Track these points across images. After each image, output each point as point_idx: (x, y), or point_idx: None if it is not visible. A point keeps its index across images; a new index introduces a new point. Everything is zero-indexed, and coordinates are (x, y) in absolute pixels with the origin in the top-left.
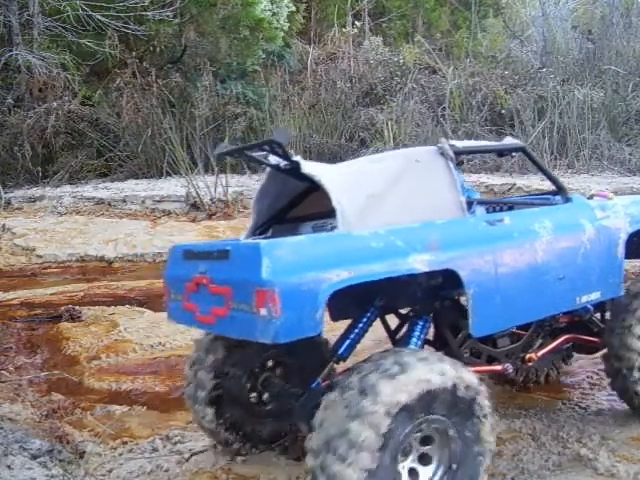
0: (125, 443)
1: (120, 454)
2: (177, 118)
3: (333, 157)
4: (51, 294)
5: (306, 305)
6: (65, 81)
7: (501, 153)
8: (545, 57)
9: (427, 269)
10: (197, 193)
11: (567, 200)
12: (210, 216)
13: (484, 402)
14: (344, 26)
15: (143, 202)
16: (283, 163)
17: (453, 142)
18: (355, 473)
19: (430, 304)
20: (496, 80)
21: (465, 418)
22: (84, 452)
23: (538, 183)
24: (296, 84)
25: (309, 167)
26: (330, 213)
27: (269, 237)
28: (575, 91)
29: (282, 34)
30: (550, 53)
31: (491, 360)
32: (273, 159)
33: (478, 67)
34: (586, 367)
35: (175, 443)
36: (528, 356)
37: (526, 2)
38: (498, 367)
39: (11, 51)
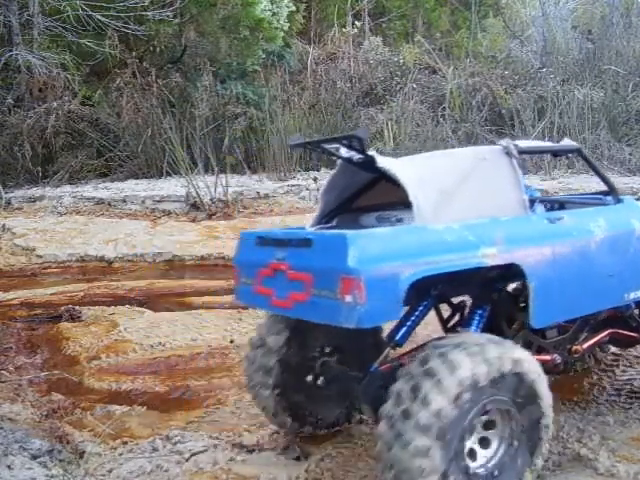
0: (125, 443)
1: (120, 454)
2: (177, 118)
3: (333, 157)
4: (51, 294)
5: (388, 293)
6: (65, 81)
7: (557, 154)
8: (545, 57)
9: (495, 262)
10: (197, 193)
11: (618, 201)
12: (210, 216)
13: (543, 383)
14: (344, 26)
15: (143, 202)
16: (356, 157)
17: (517, 142)
18: (428, 441)
19: (488, 295)
20: (496, 80)
21: (527, 398)
22: (84, 452)
23: (537, 183)
24: (296, 84)
25: (384, 162)
26: (393, 205)
27: (334, 226)
28: (575, 91)
29: (282, 34)
30: (550, 53)
31: (540, 350)
32: (345, 152)
33: (478, 67)
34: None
35: (175, 443)
36: (575, 348)
37: (526, 2)
38: (547, 357)
39: (11, 51)
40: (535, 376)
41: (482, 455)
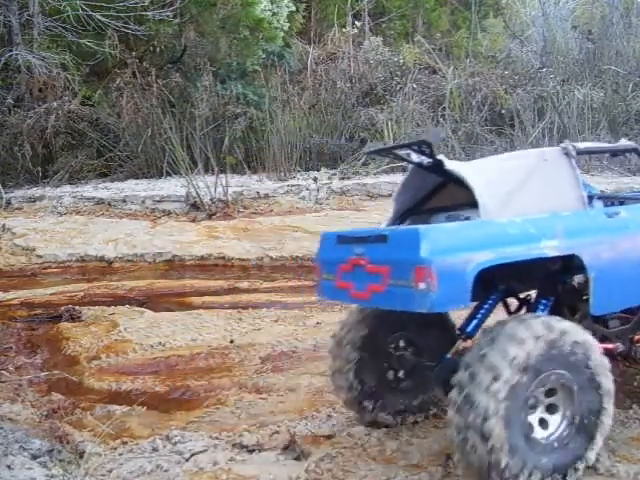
0: (125, 443)
1: (120, 454)
2: (177, 118)
3: (333, 157)
4: (51, 294)
5: (457, 281)
6: (65, 81)
7: (615, 153)
8: (545, 57)
9: (555, 253)
10: (197, 193)
11: None
12: (210, 216)
13: (606, 374)
14: (344, 26)
15: (143, 202)
16: (426, 161)
17: (575, 143)
18: (494, 403)
19: (553, 287)
20: (496, 80)
21: (588, 382)
22: (84, 452)
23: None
24: (296, 84)
25: (452, 165)
26: (461, 206)
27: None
28: (575, 91)
29: (282, 34)
30: (550, 53)
31: (603, 340)
32: (416, 157)
33: (478, 67)
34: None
35: (175, 443)
36: (637, 337)
37: (526, 2)
38: (610, 345)
39: (11, 51)
40: (597, 362)
41: (545, 426)
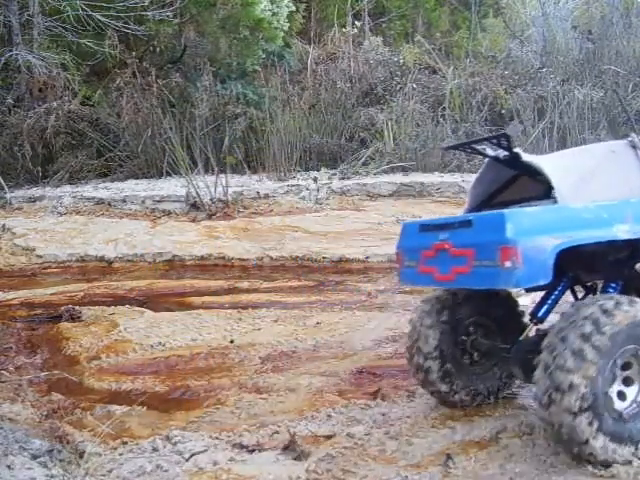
0: (125, 443)
1: (120, 454)
2: (177, 118)
3: (333, 157)
4: (51, 294)
5: (539, 260)
6: (65, 81)
7: None
8: (545, 57)
9: (626, 237)
10: (197, 193)
11: None
12: (210, 216)
13: None
14: (344, 26)
15: (143, 202)
16: (503, 154)
17: None
18: (578, 380)
19: (620, 272)
20: (496, 80)
21: None
22: (84, 452)
23: None
24: (296, 84)
25: (529, 157)
26: (530, 198)
27: None
28: (575, 91)
29: (282, 34)
30: (550, 53)
31: None
32: (491, 151)
33: (478, 67)
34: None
35: (175, 443)
36: None
37: (526, 2)
38: None
39: (11, 51)
40: None
41: (623, 398)
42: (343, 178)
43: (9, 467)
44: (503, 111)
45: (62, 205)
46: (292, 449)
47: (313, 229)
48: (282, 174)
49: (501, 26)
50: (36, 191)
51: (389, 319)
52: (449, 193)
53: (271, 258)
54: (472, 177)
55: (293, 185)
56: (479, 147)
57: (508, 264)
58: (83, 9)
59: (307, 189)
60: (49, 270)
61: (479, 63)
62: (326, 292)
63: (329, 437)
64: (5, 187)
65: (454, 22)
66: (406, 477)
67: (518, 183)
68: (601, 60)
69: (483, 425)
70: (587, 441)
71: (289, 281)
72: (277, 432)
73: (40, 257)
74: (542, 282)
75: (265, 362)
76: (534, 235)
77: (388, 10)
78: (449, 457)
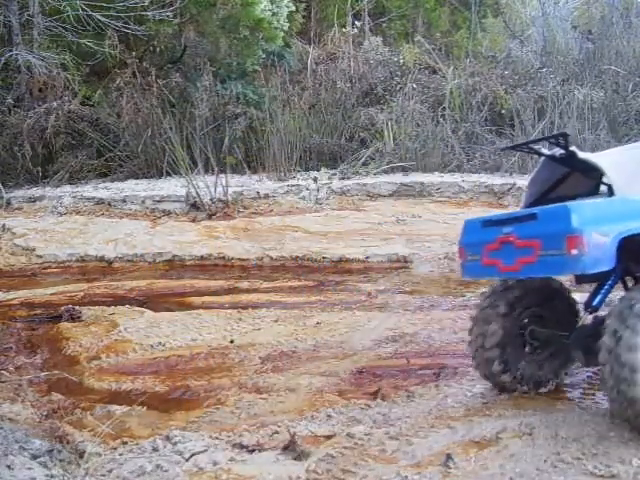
0: (125, 443)
1: (120, 454)
2: (177, 118)
3: (333, 157)
4: (51, 294)
5: (603, 247)
6: (65, 81)
7: None
8: (545, 57)
9: None
10: (197, 193)
11: None
12: (210, 216)
13: None
14: (344, 26)
15: (143, 202)
16: (559, 152)
17: None
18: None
19: None
20: (496, 80)
21: None
22: (84, 452)
23: None
24: (296, 84)
25: (585, 155)
26: (580, 195)
27: None
28: (575, 91)
29: (282, 34)
30: (550, 53)
31: None
32: (547, 150)
33: (478, 67)
34: (585, 367)
35: (175, 443)
36: None
37: (526, 2)
38: None
39: (11, 51)
40: None
41: None
42: (343, 178)
43: (9, 467)
44: (503, 111)
45: (62, 205)
46: (292, 449)
47: (313, 229)
48: (282, 174)
49: (501, 26)
50: (36, 191)
51: (389, 319)
52: (449, 193)
53: (271, 258)
54: (472, 177)
55: (293, 185)
56: (536, 147)
57: (575, 252)
58: (83, 9)
59: (307, 189)
60: (49, 270)
61: (479, 63)
62: (326, 292)
63: (329, 437)
64: (2, 190)
65: (454, 22)
66: (406, 477)
67: (569, 180)
68: (601, 60)
69: (483, 425)
70: None
71: (289, 281)
72: (277, 432)
73: (40, 257)
74: (606, 267)
75: (265, 362)
76: (597, 225)
77: (388, 10)
78: (449, 457)
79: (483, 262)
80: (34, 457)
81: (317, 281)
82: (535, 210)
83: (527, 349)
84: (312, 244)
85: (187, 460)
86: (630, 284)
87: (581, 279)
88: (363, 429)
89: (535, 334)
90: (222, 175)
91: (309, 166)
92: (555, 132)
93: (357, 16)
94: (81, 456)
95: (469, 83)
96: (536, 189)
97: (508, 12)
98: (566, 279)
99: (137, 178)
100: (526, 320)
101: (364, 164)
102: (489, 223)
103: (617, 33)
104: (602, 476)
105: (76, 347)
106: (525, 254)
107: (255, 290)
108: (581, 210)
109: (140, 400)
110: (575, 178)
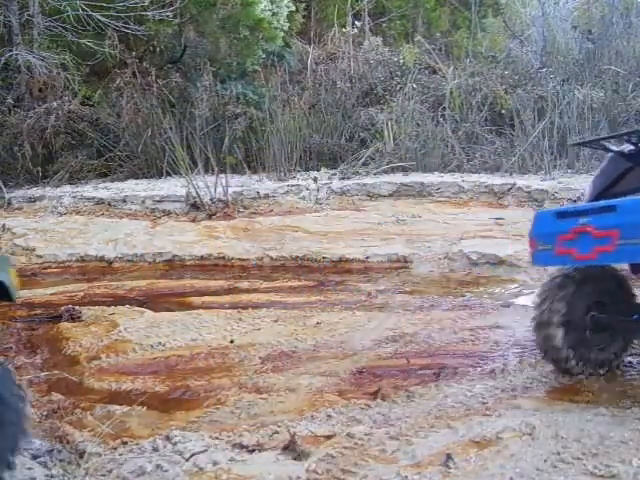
0: (125, 443)
1: (120, 454)
2: (177, 118)
3: (333, 157)
4: (51, 294)
5: None
6: (65, 81)
7: None
8: (545, 57)
9: None
10: (197, 193)
11: None
12: (210, 216)
13: None
14: (344, 26)
15: (143, 202)
16: (628, 149)
17: None
18: None
19: None
20: (496, 80)
21: None
22: (84, 452)
23: (537, 183)
24: (296, 84)
25: None
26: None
27: None
28: (575, 91)
29: (282, 34)
30: (550, 53)
31: None
32: (614, 146)
33: (478, 67)
34: None
35: (175, 443)
36: None
37: (526, 2)
38: None
39: (11, 51)
40: None
41: None
42: (343, 178)
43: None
44: (503, 111)
45: (62, 205)
46: (292, 449)
47: (313, 229)
48: (282, 174)
49: (501, 26)
50: (36, 191)
51: (389, 319)
52: (449, 193)
53: (271, 258)
54: (472, 177)
55: (293, 185)
56: (604, 143)
57: None
58: (83, 9)
59: (307, 189)
60: (49, 270)
61: (479, 63)
62: (326, 292)
63: (329, 437)
64: (3, 189)
65: (454, 22)
66: (406, 477)
67: (629, 176)
68: (601, 60)
69: (483, 425)
70: None
71: (289, 281)
72: (277, 432)
73: (40, 257)
74: None
75: (265, 362)
76: None
77: (388, 10)
78: (449, 457)
79: (556, 251)
80: (34, 457)
81: (317, 281)
82: (614, 202)
83: (589, 333)
84: (312, 244)
85: (187, 460)
86: None
87: (636, 269)
88: (363, 429)
89: (597, 319)
90: (222, 175)
91: (309, 166)
92: (556, 132)
93: (357, 16)
94: (81, 456)
95: (469, 83)
96: (601, 183)
97: (508, 12)
98: (621, 268)
99: (137, 178)
100: (591, 305)
101: (364, 164)
102: (564, 215)
103: (617, 33)
104: (602, 476)
105: (76, 347)
106: (603, 243)
107: (255, 290)
108: None
109: (140, 400)
110: (636, 173)
